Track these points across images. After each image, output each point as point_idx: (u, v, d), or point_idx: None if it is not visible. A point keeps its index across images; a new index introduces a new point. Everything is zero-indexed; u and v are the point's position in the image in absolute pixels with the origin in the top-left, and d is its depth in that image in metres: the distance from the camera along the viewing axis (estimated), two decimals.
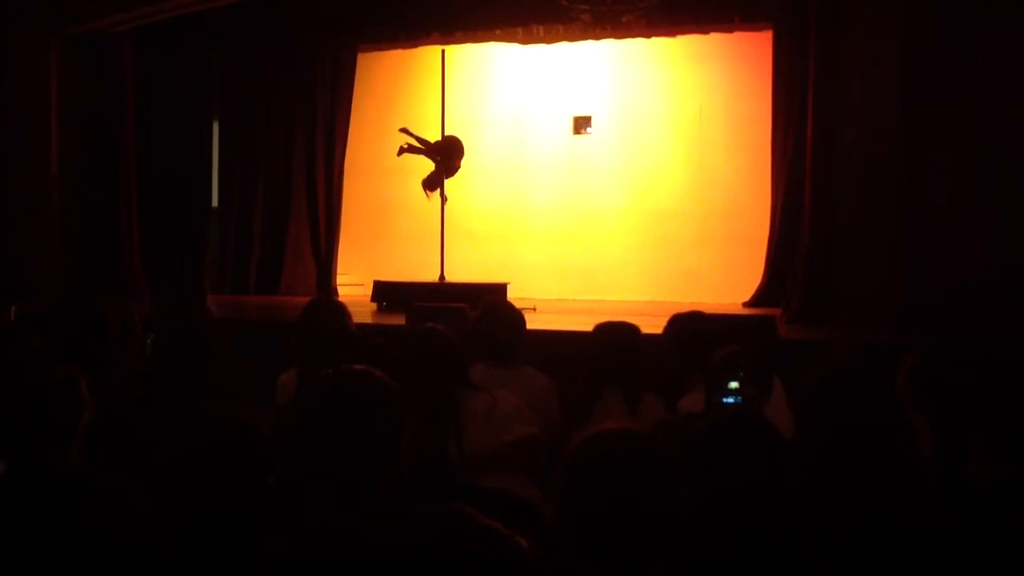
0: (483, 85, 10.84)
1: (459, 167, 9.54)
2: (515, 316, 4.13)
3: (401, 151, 9.67)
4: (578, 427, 3.42)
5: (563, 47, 10.37)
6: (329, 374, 2.18)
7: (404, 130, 9.64)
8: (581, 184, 10.63)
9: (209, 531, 1.95)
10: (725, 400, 3.06)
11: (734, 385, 3.07)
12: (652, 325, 4.84)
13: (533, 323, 4.33)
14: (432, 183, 9.47)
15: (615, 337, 3.96)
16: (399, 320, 6.67)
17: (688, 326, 4.13)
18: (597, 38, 10.12)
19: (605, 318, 4.17)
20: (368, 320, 7.81)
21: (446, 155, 9.47)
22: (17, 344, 3.08)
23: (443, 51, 9.96)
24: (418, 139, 9.64)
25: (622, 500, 1.83)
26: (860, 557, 2.02)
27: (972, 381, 2.51)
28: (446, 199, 9.45)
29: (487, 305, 4.29)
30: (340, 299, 10.27)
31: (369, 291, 9.22)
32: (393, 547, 1.32)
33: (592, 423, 3.44)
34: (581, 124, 10.72)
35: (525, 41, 10.25)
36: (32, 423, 2.20)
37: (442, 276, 9.41)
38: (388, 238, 11.03)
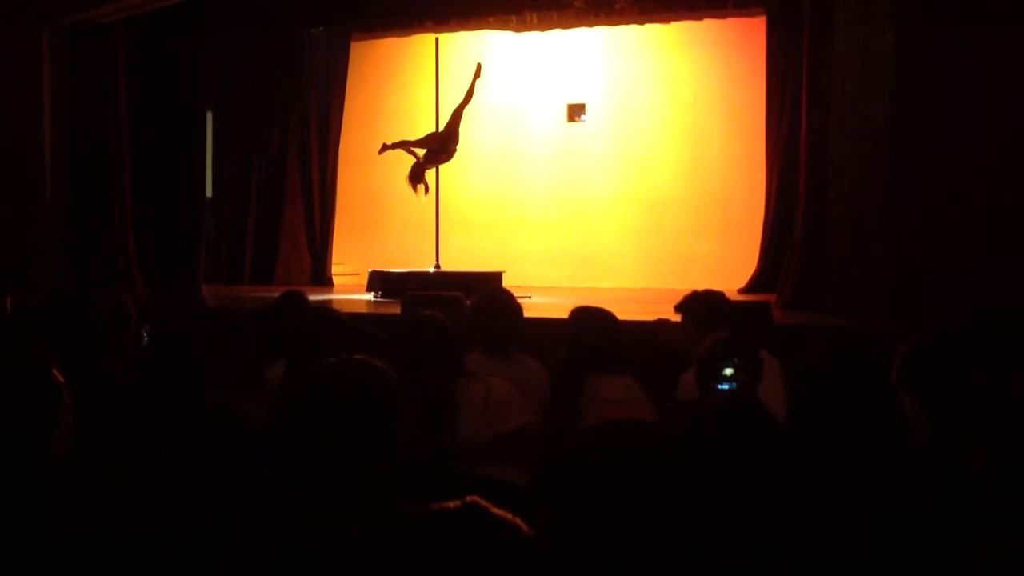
0: None
1: (454, 152, 9.41)
2: (513, 305, 4.10)
3: (383, 149, 9.48)
4: (566, 412, 3.44)
5: (557, 34, 10.35)
6: (329, 364, 2.16)
7: (385, 147, 9.47)
8: (576, 172, 10.62)
9: (203, 523, 1.94)
10: (720, 386, 3.06)
11: (729, 371, 3.07)
12: (646, 312, 4.82)
13: (528, 311, 4.32)
14: (416, 176, 9.29)
15: (591, 321, 3.93)
16: (394, 309, 6.66)
17: (705, 303, 4.13)
18: (591, 25, 10.12)
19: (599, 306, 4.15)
20: (363, 309, 7.81)
21: (439, 148, 9.32)
22: (10, 336, 3.06)
23: (437, 39, 9.93)
24: (403, 143, 9.45)
25: (624, 490, 1.83)
26: (856, 544, 2.02)
27: (966, 368, 2.52)
28: (428, 190, 9.35)
29: (485, 294, 4.25)
30: (331, 287, 10.38)
31: (364, 280, 9.20)
32: (412, 542, 1.31)
33: (580, 407, 3.45)
34: (575, 112, 10.71)
35: (519, 29, 10.24)
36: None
37: (437, 265, 9.41)
38: (383, 227, 11.02)
